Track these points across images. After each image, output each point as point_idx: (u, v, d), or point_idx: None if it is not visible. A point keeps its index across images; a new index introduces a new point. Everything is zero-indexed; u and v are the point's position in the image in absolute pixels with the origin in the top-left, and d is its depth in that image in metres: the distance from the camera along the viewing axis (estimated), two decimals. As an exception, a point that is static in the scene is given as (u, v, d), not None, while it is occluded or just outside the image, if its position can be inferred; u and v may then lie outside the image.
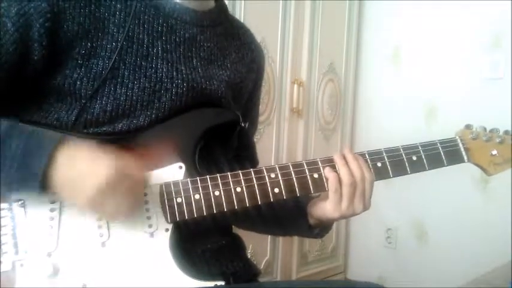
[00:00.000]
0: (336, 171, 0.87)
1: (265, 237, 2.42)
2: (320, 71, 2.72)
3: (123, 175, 0.72)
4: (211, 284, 0.79)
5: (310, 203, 0.94)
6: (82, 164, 0.72)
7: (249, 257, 1.01)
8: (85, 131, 0.81)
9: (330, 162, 0.88)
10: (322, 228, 0.97)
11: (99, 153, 0.73)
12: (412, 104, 2.74)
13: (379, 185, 0.91)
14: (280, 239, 2.51)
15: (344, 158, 0.88)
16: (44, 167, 0.70)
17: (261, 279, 1.01)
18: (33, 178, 0.71)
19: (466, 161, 0.96)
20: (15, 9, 0.77)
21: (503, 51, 2.42)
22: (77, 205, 0.75)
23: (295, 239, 2.62)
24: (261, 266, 2.42)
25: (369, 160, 0.89)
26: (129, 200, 0.75)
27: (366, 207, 0.89)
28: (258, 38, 1.13)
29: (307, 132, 2.68)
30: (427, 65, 2.70)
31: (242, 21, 1.13)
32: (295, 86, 2.54)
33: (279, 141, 2.51)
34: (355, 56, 2.95)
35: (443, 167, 0.94)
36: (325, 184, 0.87)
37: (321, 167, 0.87)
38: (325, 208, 0.89)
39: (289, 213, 0.96)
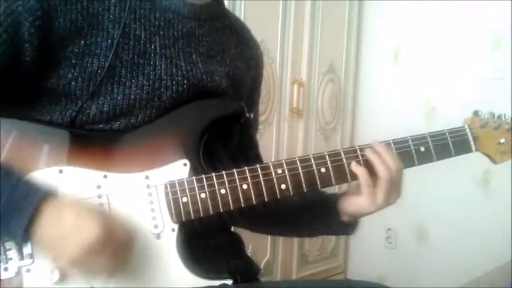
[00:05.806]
0: (363, 166, 0.85)
1: (265, 236, 2.41)
2: (320, 71, 2.72)
3: (109, 237, 0.68)
4: (218, 282, 0.78)
5: (341, 200, 0.91)
6: (67, 223, 0.68)
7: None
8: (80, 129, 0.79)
9: (336, 156, 0.85)
10: (354, 223, 0.95)
11: (85, 211, 0.70)
12: (412, 104, 2.74)
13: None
14: (281, 238, 2.51)
15: (376, 152, 0.86)
16: (27, 223, 0.67)
17: (261, 279, 1.01)
18: (14, 232, 0.68)
19: (473, 150, 0.94)
20: (2, 7, 0.72)
21: (503, 51, 2.42)
22: (58, 263, 0.71)
23: (295, 238, 2.61)
24: (261, 266, 2.41)
25: None
26: (114, 261, 0.71)
27: (399, 195, 0.87)
28: (258, 38, 1.12)
29: (307, 132, 2.68)
30: (427, 65, 2.69)
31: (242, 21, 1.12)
32: (295, 86, 2.54)
33: (279, 141, 2.51)
34: (355, 56, 2.95)
35: (451, 158, 0.92)
36: (332, 179, 0.85)
37: (328, 161, 0.85)
38: (360, 204, 0.87)
39: (319, 213, 0.94)
